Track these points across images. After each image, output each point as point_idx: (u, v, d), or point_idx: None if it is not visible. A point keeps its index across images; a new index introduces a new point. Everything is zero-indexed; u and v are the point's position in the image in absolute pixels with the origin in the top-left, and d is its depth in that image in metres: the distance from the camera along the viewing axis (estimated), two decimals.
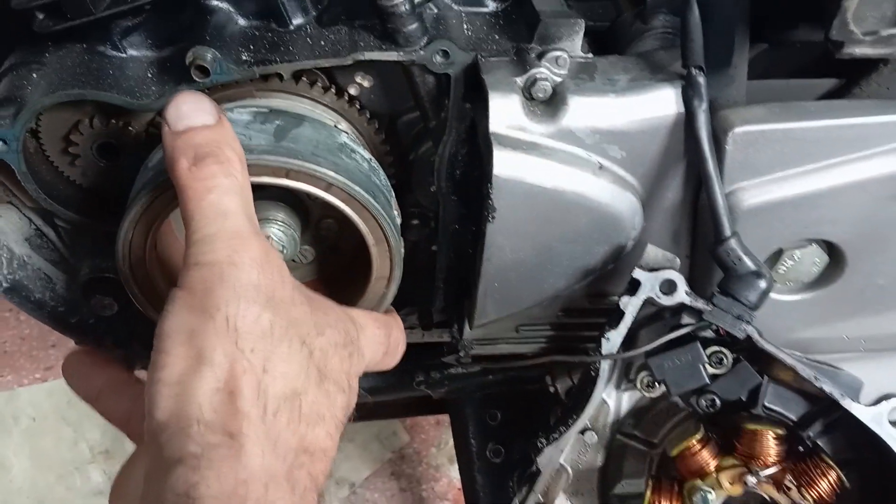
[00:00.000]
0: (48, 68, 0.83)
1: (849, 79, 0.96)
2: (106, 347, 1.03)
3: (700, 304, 0.79)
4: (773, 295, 0.91)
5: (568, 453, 0.94)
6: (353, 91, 0.87)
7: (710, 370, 0.86)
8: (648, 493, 0.90)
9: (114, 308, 0.96)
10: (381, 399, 1.22)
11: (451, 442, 1.89)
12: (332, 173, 0.77)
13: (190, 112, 0.71)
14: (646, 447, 0.96)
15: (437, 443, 1.91)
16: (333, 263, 0.97)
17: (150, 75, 0.83)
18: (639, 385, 0.91)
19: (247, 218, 0.69)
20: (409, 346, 1.15)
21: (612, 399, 0.94)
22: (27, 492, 1.78)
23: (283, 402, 0.63)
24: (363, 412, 1.38)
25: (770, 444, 0.86)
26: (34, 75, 0.83)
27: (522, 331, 1.00)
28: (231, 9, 0.82)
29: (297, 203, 0.89)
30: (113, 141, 0.86)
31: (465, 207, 0.92)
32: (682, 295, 0.79)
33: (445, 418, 1.98)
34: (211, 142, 0.70)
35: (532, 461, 0.92)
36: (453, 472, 1.89)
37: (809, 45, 0.96)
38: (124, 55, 0.83)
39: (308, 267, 0.97)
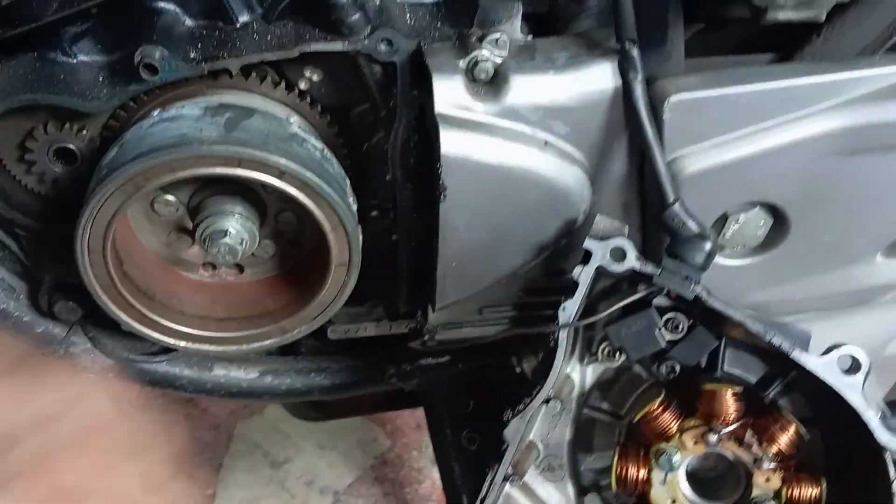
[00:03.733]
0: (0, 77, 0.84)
1: (784, 53, 0.99)
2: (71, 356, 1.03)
3: (650, 268, 0.82)
4: (723, 260, 0.95)
5: (538, 428, 0.96)
6: (302, 85, 0.89)
7: (668, 336, 0.88)
8: (615, 459, 0.92)
9: (78, 312, 0.97)
10: (352, 394, 1.23)
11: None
12: (283, 160, 0.79)
13: None
14: (613, 419, 0.97)
15: (418, 446, 1.91)
16: (294, 257, 0.98)
17: (101, 78, 0.84)
18: (600, 356, 0.93)
19: None
20: (378, 339, 1.16)
21: (576, 373, 0.96)
22: None
23: None
24: (335, 409, 1.39)
25: (729, 403, 0.88)
26: None
27: (486, 313, 1.02)
28: (177, 10, 0.83)
29: (253, 198, 0.91)
30: (69, 146, 0.88)
31: (420, 194, 0.94)
32: (633, 261, 0.82)
33: (424, 421, 2.00)
34: None
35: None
36: (436, 474, 1.88)
37: (744, 22, 0.99)
38: (74, 61, 0.85)
39: (270, 262, 0.98)
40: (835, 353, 0.80)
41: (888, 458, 0.80)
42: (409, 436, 1.93)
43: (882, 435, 0.79)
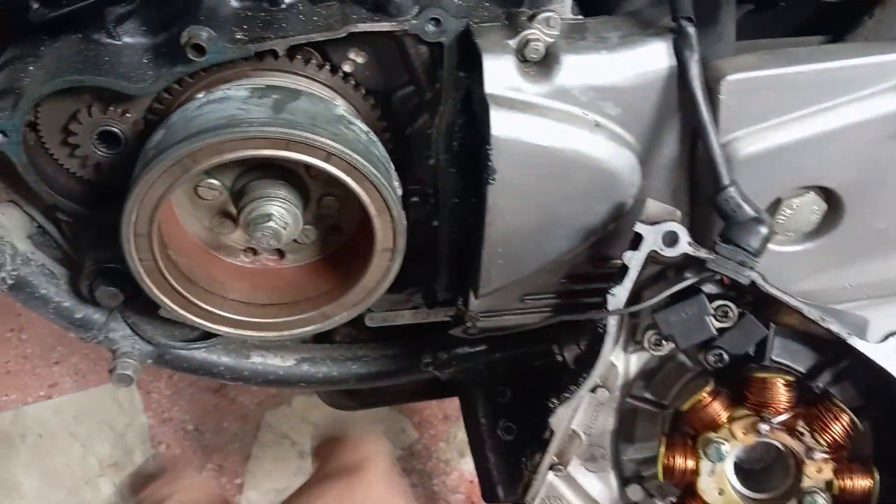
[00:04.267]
0: (45, 59, 0.84)
1: (835, 35, 0.97)
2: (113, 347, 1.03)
3: (703, 253, 0.80)
4: (775, 247, 0.93)
5: (580, 418, 0.94)
6: (347, 68, 0.88)
7: (717, 324, 0.87)
8: (662, 449, 0.90)
9: (119, 298, 0.96)
10: (388, 384, 1.23)
11: (460, 436, 1.90)
12: (331, 142, 0.78)
13: None
14: (656, 409, 0.96)
15: (445, 437, 1.91)
16: (335, 243, 0.98)
17: (145, 61, 0.84)
18: (646, 344, 0.91)
19: None
20: (415, 327, 1.15)
21: (620, 361, 0.94)
22: None
23: None
24: (370, 398, 1.38)
25: (780, 392, 0.86)
26: (31, 67, 0.84)
27: (528, 300, 1.00)
28: None
29: (297, 183, 0.90)
30: (114, 129, 0.87)
31: (464, 179, 0.93)
32: (685, 246, 0.80)
33: (453, 413, 1.98)
34: None
35: (545, 430, 0.92)
36: (464, 466, 1.89)
37: (795, 3, 0.97)
38: (119, 42, 0.84)
39: (311, 248, 0.98)
40: (892, 341, 0.78)
41: None
42: (436, 427, 1.93)
43: None
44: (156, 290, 0.88)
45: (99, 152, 0.89)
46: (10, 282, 0.95)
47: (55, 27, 0.84)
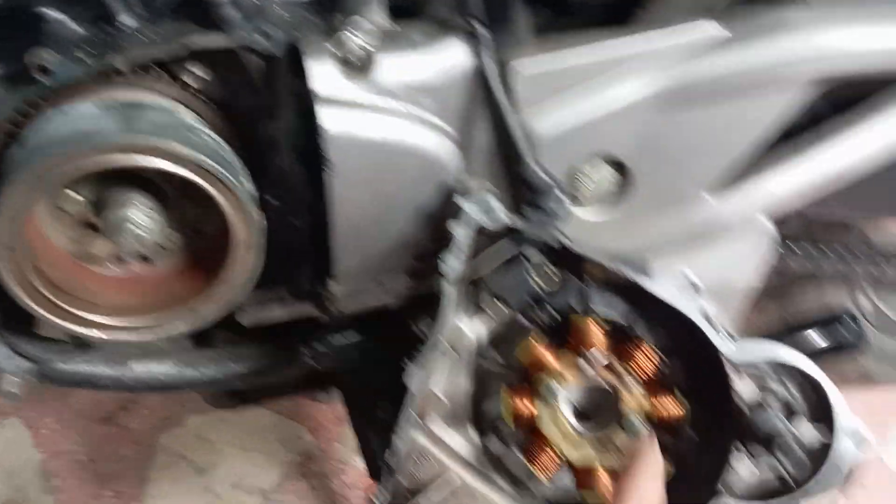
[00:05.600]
0: None
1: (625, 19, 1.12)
2: None
3: (516, 220, 0.93)
4: (587, 217, 1.07)
5: (439, 381, 1.05)
6: (189, 80, 0.96)
7: (543, 286, 1.00)
8: (506, 397, 1.02)
9: None
10: (269, 379, 1.30)
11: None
12: (182, 147, 0.87)
13: None
14: (505, 368, 1.08)
15: (340, 438, 1.98)
16: (200, 246, 1.05)
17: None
18: (487, 309, 1.04)
19: None
20: (290, 323, 1.23)
21: (467, 328, 1.06)
22: None
23: None
24: (251, 395, 1.45)
25: (596, 334, 0.99)
26: None
27: (384, 281, 1.11)
28: (63, 17, 0.90)
29: (155, 190, 0.98)
30: None
31: (311, 175, 1.03)
32: (500, 214, 0.93)
33: (345, 415, 2.06)
34: None
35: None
36: (360, 464, 1.95)
37: (581, 3, 1.12)
38: None
39: (176, 252, 1.04)
40: (671, 277, 0.93)
41: (727, 365, 0.93)
42: (330, 430, 1.99)
43: (718, 342, 0.92)
44: (28, 301, 0.94)
45: None
46: None
47: None
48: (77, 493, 1.84)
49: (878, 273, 1.52)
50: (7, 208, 0.85)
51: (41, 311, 0.96)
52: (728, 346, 0.93)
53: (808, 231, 1.17)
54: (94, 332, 1.00)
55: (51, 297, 0.95)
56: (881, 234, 1.58)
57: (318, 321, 1.21)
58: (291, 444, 1.94)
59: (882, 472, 1.83)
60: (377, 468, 1.35)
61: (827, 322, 1.08)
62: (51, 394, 1.95)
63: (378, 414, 1.34)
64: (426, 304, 1.16)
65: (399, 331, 1.27)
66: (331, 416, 2.00)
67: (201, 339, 1.24)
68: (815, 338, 1.11)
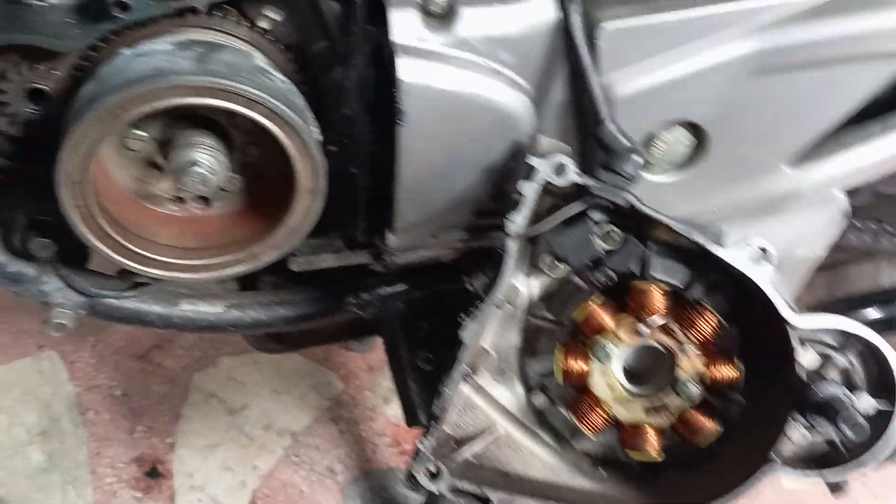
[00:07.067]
0: None
1: None
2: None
3: (588, 180, 0.92)
4: (651, 178, 1.06)
5: (490, 337, 1.05)
6: (264, 24, 0.95)
7: (604, 246, 0.99)
8: (560, 354, 1.02)
9: (52, 248, 1.01)
10: (314, 325, 1.31)
11: (385, 384, 2.00)
12: (253, 90, 0.85)
13: None
14: (556, 326, 1.08)
15: (370, 386, 2.00)
16: (259, 190, 1.05)
17: (71, 20, 0.88)
18: (543, 268, 1.03)
19: None
20: (338, 269, 1.24)
21: (522, 285, 1.06)
22: None
23: None
24: (296, 341, 1.46)
25: (657, 298, 0.99)
26: None
27: (440, 236, 1.10)
28: None
29: (221, 131, 0.97)
30: (42, 86, 0.92)
31: (377, 127, 1.02)
32: (573, 175, 0.92)
33: (377, 364, 2.08)
34: None
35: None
36: (389, 412, 1.98)
37: None
38: (45, 4, 0.88)
39: (237, 195, 1.04)
40: (745, 246, 0.92)
41: (792, 335, 0.93)
42: (361, 378, 2.02)
43: (786, 313, 0.91)
44: (90, 236, 0.94)
45: (27, 109, 0.93)
46: None
47: None
48: (110, 426, 1.87)
49: None
50: (78, 143, 0.85)
51: (101, 247, 0.96)
52: (796, 318, 0.93)
53: (874, 206, 1.15)
54: (151, 270, 1.00)
55: (112, 232, 0.95)
56: None
57: (365, 270, 1.21)
58: (322, 389, 1.97)
59: None
60: (415, 416, 1.37)
61: (887, 299, 1.08)
62: (88, 328, 1.97)
63: (419, 364, 1.36)
64: (478, 259, 1.16)
65: (445, 283, 1.27)
66: (362, 364, 2.02)
67: (248, 282, 1.25)
68: (872, 313, 1.10)
